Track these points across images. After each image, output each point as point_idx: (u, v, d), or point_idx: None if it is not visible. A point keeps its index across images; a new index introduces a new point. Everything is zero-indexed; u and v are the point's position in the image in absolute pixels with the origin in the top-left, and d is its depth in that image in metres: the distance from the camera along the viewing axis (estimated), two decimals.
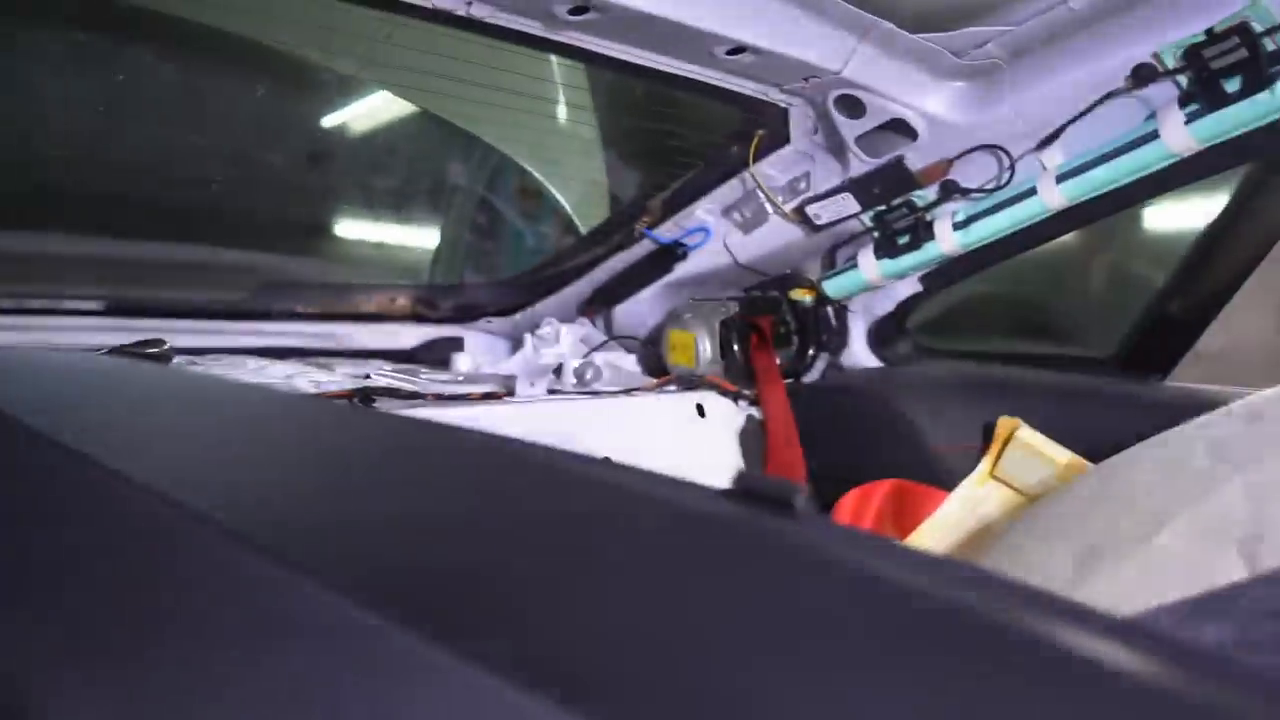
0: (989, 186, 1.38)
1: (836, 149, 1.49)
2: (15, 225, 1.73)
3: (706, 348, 1.68)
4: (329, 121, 2.04)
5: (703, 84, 1.39)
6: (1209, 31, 1.12)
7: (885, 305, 1.63)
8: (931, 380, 1.57)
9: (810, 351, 1.66)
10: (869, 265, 1.53)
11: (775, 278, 1.71)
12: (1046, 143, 1.32)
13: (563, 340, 1.82)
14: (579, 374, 1.64)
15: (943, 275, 1.54)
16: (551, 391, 1.51)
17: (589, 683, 0.26)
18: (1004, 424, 1.35)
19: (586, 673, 0.27)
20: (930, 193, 1.45)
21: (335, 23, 1.81)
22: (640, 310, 1.91)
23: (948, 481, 1.38)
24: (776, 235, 1.64)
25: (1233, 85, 1.13)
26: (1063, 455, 1.29)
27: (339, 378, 1.43)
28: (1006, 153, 1.35)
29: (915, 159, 1.42)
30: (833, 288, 1.60)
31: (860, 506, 1.41)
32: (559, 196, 2.11)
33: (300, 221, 2.09)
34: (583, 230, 2.06)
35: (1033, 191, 1.33)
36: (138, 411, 0.61)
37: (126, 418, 0.59)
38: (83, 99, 1.71)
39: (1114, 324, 1.54)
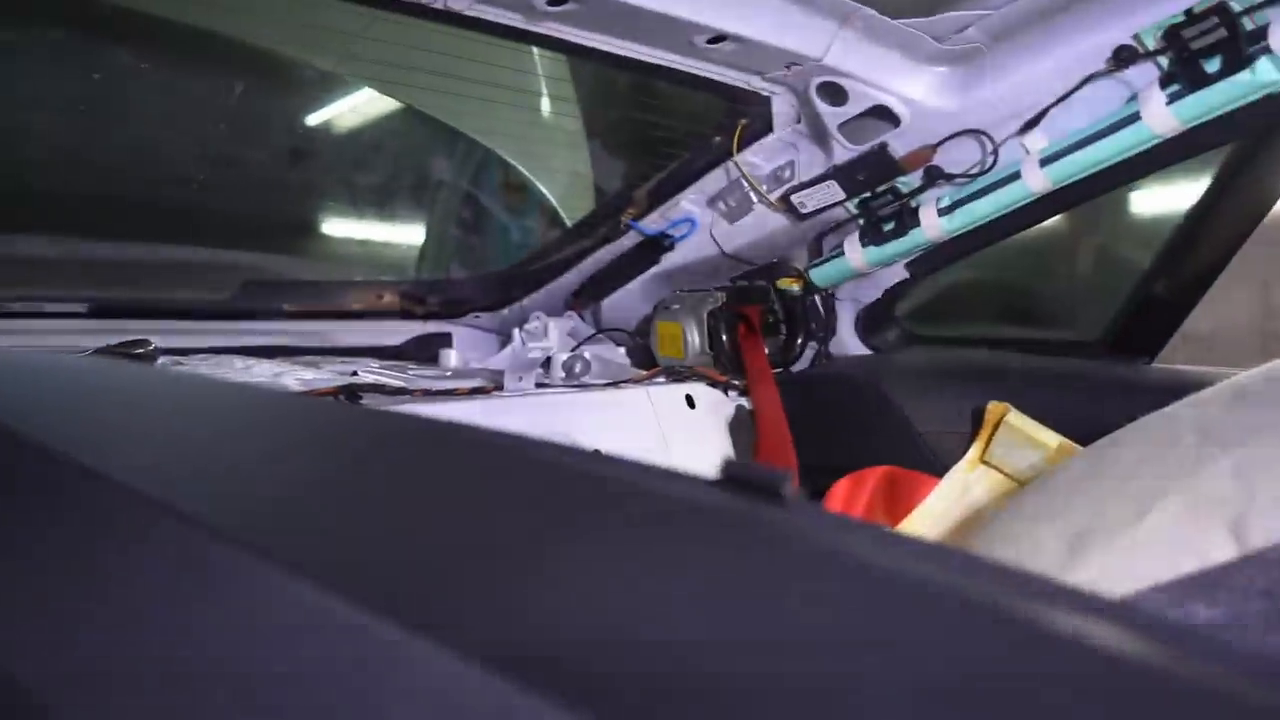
0: (973, 171, 1.38)
1: (820, 137, 1.48)
2: None
3: (695, 339, 1.68)
4: (311, 118, 2.03)
5: (684, 74, 1.38)
6: (1188, 12, 1.12)
7: (872, 293, 1.63)
8: (920, 367, 1.57)
9: (799, 340, 1.66)
10: (855, 253, 1.53)
11: (762, 267, 1.71)
12: (1029, 126, 1.32)
13: (551, 334, 1.81)
14: (567, 367, 1.64)
15: (929, 261, 1.54)
16: (540, 385, 1.51)
17: (576, 673, 0.26)
18: (993, 409, 1.35)
19: (573, 663, 0.27)
20: (914, 179, 1.45)
21: (315, 19, 1.80)
22: (628, 303, 1.91)
23: (938, 467, 1.38)
24: (762, 224, 1.64)
25: (1213, 65, 1.13)
26: (1052, 439, 1.29)
27: (326, 375, 1.42)
28: (989, 137, 1.35)
29: (899, 145, 1.41)
30: (820, 276, 1.60)
31: (851, 494, 1.41)
32: (544, 190, 2.10)
33: (284, 219, 2.08)
34: (569, 223, 2.06)
35: (1016, 175, 1.33)
36: (122, 412, 0.60)
37: (110, 418, 0.58)
38: (62, 99, 1.70)
39: (1101, 307, 1.55)
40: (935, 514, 1.34)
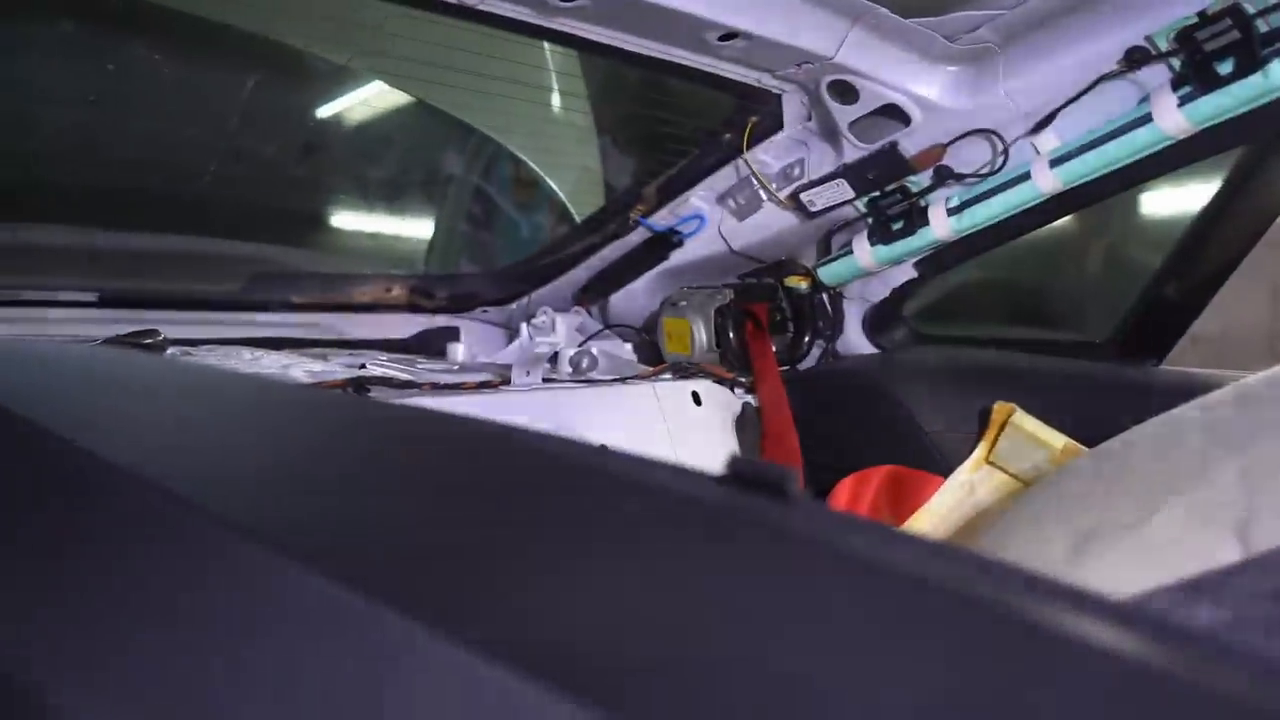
0: (983, 171, 1.38)
1: (830, 135, 1.48)
2: (8, 217, 1.72)
3: (702, 335, 1.68)
4: (323, 112, 2.03)
5: (695, 71, 1.38)
6: (1202, 13, 1.12)
7: (880, 291, 1.63)
8: (927, 366, 1.57)
9: (806, 338, 1.66)
10: (864, 251, 1.53)
11: (770, 265, 1.71)
12: (1040, 127, 1.31)
13: (558, 329, 1.82)
14: (574, 363, 1.64)
15: (937, 261, 1.53)
16: (547, 380, 1.51)
17: (582, 666, 0.26)
18: (999, 409, 1.35)
19: (579, 656, 0.27)
20: (924, 178, 1.45)
21: (328, 12, 1.81)
22: (636, 299, 1.91)
23: (943, 467, 1.38)
24: (771, 222, 1.64)
25: (1225, 67, 1.13)
26: (1058, 440, 1.29)
27: (335, 367, 1.42)
28: (1000, 137, 1.34)
29: (909, 144, 1.41)
30: (828, 274, 1.60)
31: (856, 492, 1.41)
32: (554, 185, 2.10)
33: (295, 212, 2.08)
34: (578, 219, 2.06)
35: (1026, 176, 1.33)
36: (131, 401, 0.61)
37: (121, 408, 0.59)
38: (76, 91, 1.71)
39: (1109, 309, 1.54)
40: (940, 513, 1.34)
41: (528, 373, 1.49)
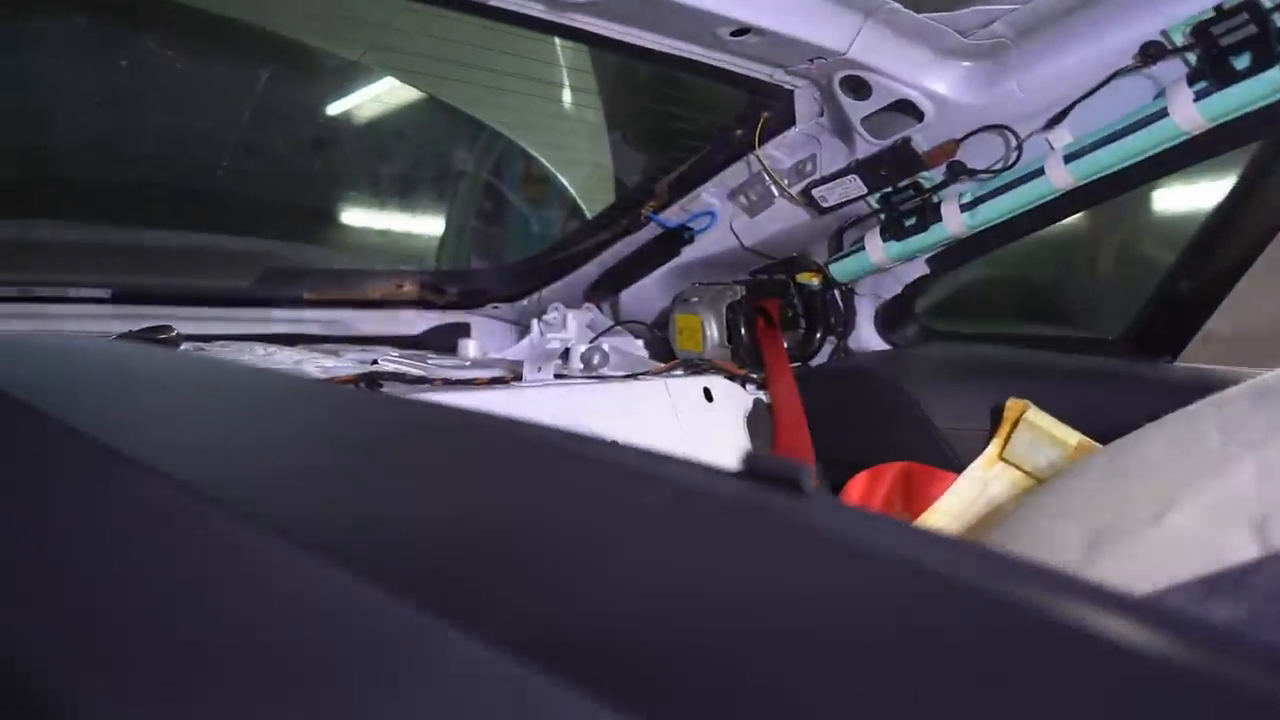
0: (996, 167, 1.37)
1: (843, 131, 1.48)
2: (20, 213, 1.73)
3: (713, 332, 1.68)
4: (334, 108, 2.04)
5: (707, 66, 1.38)
6: (1218, 8, 1.11)
7: (892, 288, 1.62)
8: (939, 363, 1.56)
9: (818, 335, 1.66)
10: (876, 248, 1.53)
11: (782, 261, 1.70)
12: (1054, 122, 1.31)
13: (569, 325, 1.81)
14: (585, 359, 1.64)
15: (950, 257, 1.53)
16: (558, 376, 1.51)
17: (600, 660, 0.26)
18: (1012, 406, 1.34)
19: (597, 649, 0.27)
20: (937, 174, 1.44)
21: (338, 7, 1.81)
22: (647, 295, 1.91)
23: (956, 464, 1.38)
24: (783, 218, 1.63)
25: (1242, 62, 1.12)
26: (1072, 437, 1.28)
27: (347, 363, 1.43)
28: (1014, 133, 1.34)
29: (922, 140, 1.41)
30: (840, 271, 1.60)
31: (869, 489, 1.41)
32: (565, 181, 2.11)
33: (306, 208, 2.09)
34: (589, 215, 2.06)
35: (1040, 172, 1.32)
36: (151, 396, 0.61)
37: (140, 402, 0.59)
38: (87, 87, 1.71)
39: (1122, 305, 1.54)
40: (953, 511, 1.34)
41: (539, 369, 1.49)
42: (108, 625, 0.31)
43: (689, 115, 1.76)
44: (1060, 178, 1.31)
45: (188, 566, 0.34)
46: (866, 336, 1.69)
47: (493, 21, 1.31)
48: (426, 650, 0.27)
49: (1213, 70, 1.14)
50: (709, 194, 1.69)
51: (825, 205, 1.53)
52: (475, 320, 2.06)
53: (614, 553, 0.36)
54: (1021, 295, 1.86)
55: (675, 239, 1.76)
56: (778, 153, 1.57)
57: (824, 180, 1.51)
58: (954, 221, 1.43)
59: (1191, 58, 1.16)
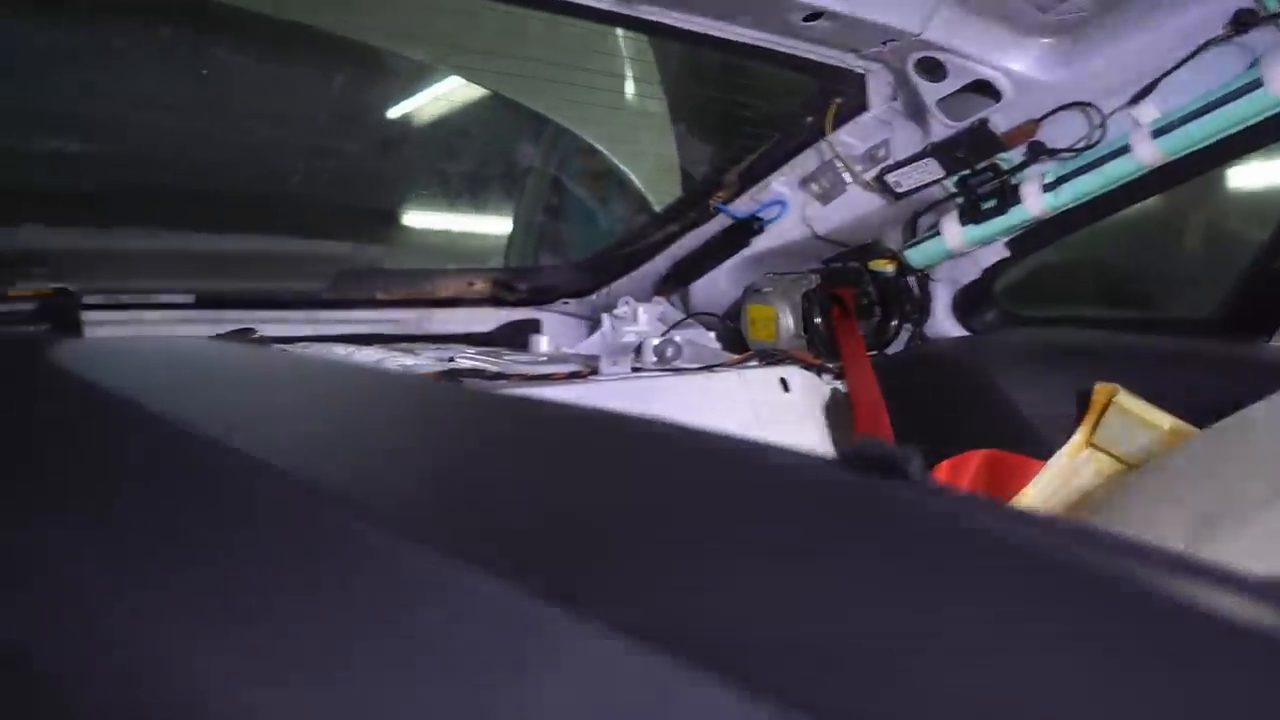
0: (1079, 146, 1.34)
1: (916, 114, 1.46)
2: (106, 222, 1.78)
3: (788, 322, 1.66)
4: (400, 109, 2.06)
5: (778, 53, 1.37)
6: None
7: (970, 272, 1.59)
8: (1021, 348, 1.53)
9: (893, 322, 1.63)
10: (953, 232, 1.50)
11: (855, 249, 1.68)
12: (1140, 97, 1.27)
13: (641, 319, 1.82)
14: (659, 351, 1.64)
15: (1031, 239, 1.50)
16: (634, 370, 1.51)
17: (732, 648, 0.26)
18: (1101, 390, 1.31)
19: (728, 638, 0.27)
20: (1016, 155, 1.41)
21: (405, 8, 1.83)
22: (717, 286, 1.90)
23: (1041, 451, 1.35)
24: (856, 205, 1.61)
25: None
26: (1165, 421, 1.24)
27: (425, 361, 1.44)
28: (1097, 109, 1.30)
29: (1000, 120, 1.38)
30: (915, 257, 1.57)
31: (952, 477, 1.38)
32: (631, 175, 2.10)
33: (376, 210, 2.12)
34: (656, 208, 2.05)
35: (1126, 149, 1.29)
36: (263, 394, 0.62)
37: (253, 400, 0.60)
38: (167, 96, 1.76)
39: (1211, 284, 1.49)
40: (1041, 498, 1.31)
41: (614, 362, 1.50)
42: (251, 622, 0.32)
43: (756, 104, 1.75)
44: (1148, 154, 1.27)
45: (326, 567, 0.35)
46: (944, 323, 1.66)
47: (560, 16, 1.32)
48: (557, 642, 0.27)
49: None
50: (779, 183, 1.68)
51: (900, 190, 1.51)
52: (545, 316, 2.07)
53: (735, 540, 0.36)
54: (1103, 276, 1.81)
55: (745, 229, 1.75)
56: (850, 139, 1.55)
57: (898, 165, 1.49)
58: (1035, 203, 1.39)
59: None
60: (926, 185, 1.49)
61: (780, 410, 1.51)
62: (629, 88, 2.03)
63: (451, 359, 1.48)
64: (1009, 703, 0.24)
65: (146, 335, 1.47)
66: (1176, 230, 1.74)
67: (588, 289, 2.05)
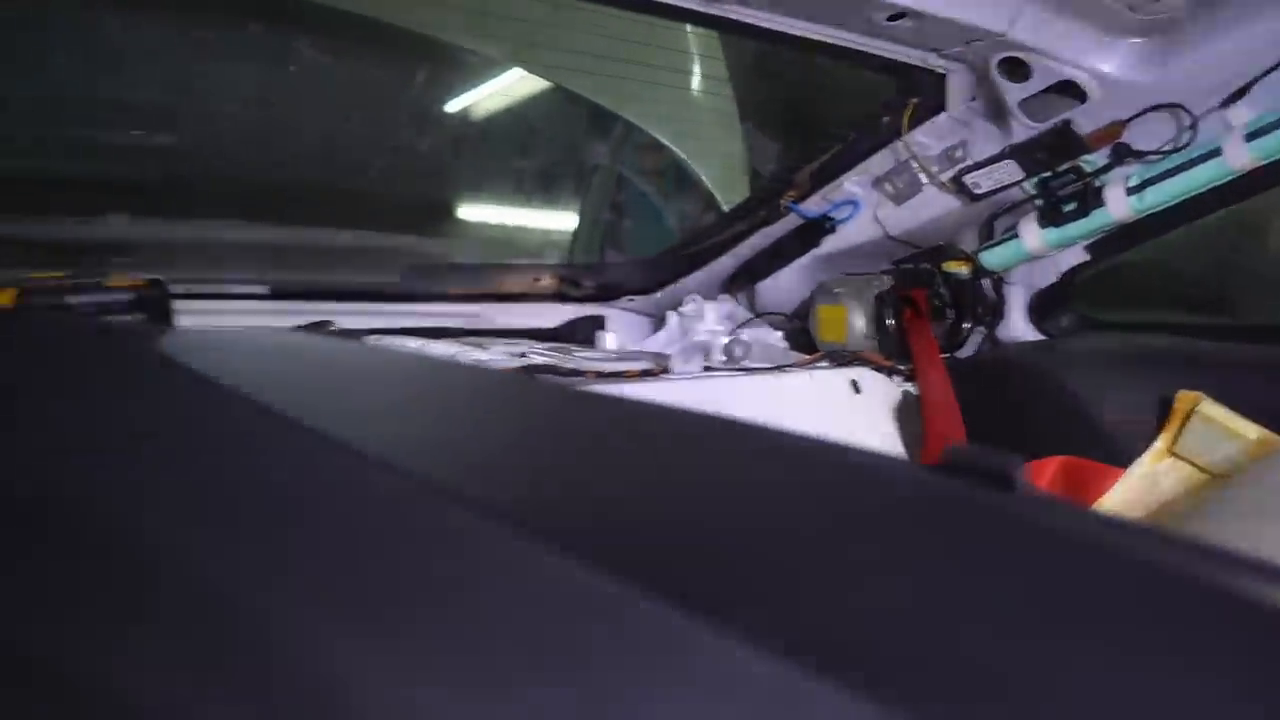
0: (1167, 148, 1.31)
1: (997, 114, 1.44)
2: (188, 213, 1.82)
3: (859, 322, 1.65)
4: (472, 106, 2.08)
5: (858, 52, 1.36)
6: None
7: (1048, 276, 1.57)
8: (1099, 353, 1.50)
9: (965, 325, 1.61)
10: (1031, 235, 1.48)
11: (927, 250, 1.66)
12: (1233, 99, 1.24)
13: (708, 317, 1.82)
14: (728, 351, 1.64)
15: (1113, 243, 1.47)
16: (706, 369, 1.51)
17: (853, 654, 0.26)
18: (1184, 398, 1.28)
19: (850, 644, 0.27)
20: (1099, 157, 1.38)
21: (484, 6, 1.85)
22: (783, 286, 1.89)
23: (1120, 459, 1.32)
24: (931, 206, 1.59)
25: None
26: (1251, 430, 1.22)
27: (497, 356, 1.45)
28: (1188, 111, 1.27)
29: (1085, 122, 1.35)
30: (991, 259, 1.55)
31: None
32: (698, 172, 2.10)
33: (445, 204, 2.14)
34: (724, 206, 2.05)
35: (1217, 152, 1.26)
36: (359, 386, 0.63)
37: (353, 392, 0.61)
38: (247, 90, 1.79)
39: None
40: (1121, 506, 1.29)
41: (686, 361, 1.50)
42: (377, 618, 0.32)
43: (829, 103, 1.74)
44: (1239, 158, 1.24)
45: (452, 571, 0.35)
46: (1018, 326, 1.63)
47: (642, 15, 1.32)
48: (680, 646, 0.27)
49: None
50: (851, 183, 1.67)
51: (977, 192, 1.49)
52: (608, 312, 2.07)
53: (844, 547, 0.36)
54: (1183, 280, 1.77)
55: (816, 229, 1.74)
56: (926, 139, 1.54)
57: (976, 166, 1.47)
58: (1119, 206, 1.37)
59: None
60: (1006, 187, 1.47)
61: (851, 412, 1.50)
62: (698, 84, 2.03)
63: (524, 354, 1.49)
64: None
65: (244, 326, 1.50)
66: (1262, 233, 1.70)
67: (652, 286, 2.06)
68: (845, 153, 1.65)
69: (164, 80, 1.78)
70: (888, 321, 1.62)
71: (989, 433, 1.45)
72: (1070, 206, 1.42)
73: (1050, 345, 1.59)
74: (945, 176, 1.53)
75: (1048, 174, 1.43)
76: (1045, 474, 1.37)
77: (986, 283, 1.61)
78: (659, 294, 2.04)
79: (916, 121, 1.51)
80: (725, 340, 1.70)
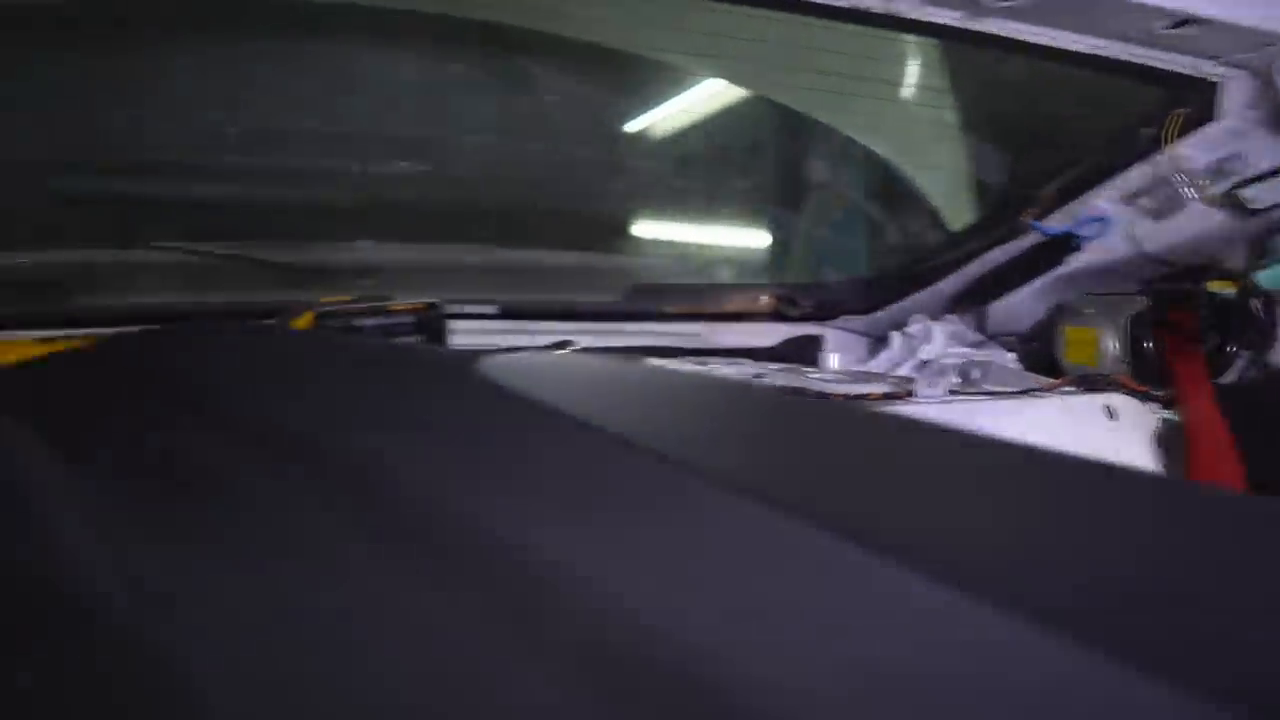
0: None
1: (1278, 124, 1.33)
2: (424, 238, 1.92)
3: (1112, 345, 1.57)
4: (690, 124, 2.10)
5: (1123, 63, 1.29)
6: None
7: None
8: None
9: (1233, 349, 1.50)
10: None
11: (1186, 269, 1.56)
12: None
13: (936, 338, 1.77)
14: (964, 373, 1.59)
15: None
16: (953, 392, 1.47)
17: None
18: None
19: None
20: None
21: (700, 27, 1.87)
22: (1014, 305, 1.82)
23: None
24: (1194, 222, 1.49)
25: None
26: None
27: (731, 375, 1.46)
28: None
29: None
30: (1270, 279, 1.44)
31: None
32: (923, 190, 2.05)
33: (665, 224, 2.18)
34: (950, 226, 1.99)
35: None
36: (667, 409, 0.63)
37: (677, 416, 0.62)
38: (486, 118, 1.87)
39: None
40: None
41: (930, 384, 1.46)
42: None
43: (1075, 115, 1.66)
44: None
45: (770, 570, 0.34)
46: None
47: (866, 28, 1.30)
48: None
49: None
50: (1102, 198, 1.58)
51: (1255, 207, 1.39)
52: (826, 332, 2.05)
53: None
54: None
55: (1060, 247, 1.66)
56: (1192, 151, 1.44)
57: (1255, 179, 1.37)
58: None
59: None
60: None
61: (1105, 440, 1.42)
62: (920, 97, 1.99)
63: (760, 375, 1.49)
64: None
65: (514, 346, 1.56)
66: None
67: (872, 305, 2.02)
68: (1095, 167, 1.57)
69: (406, 112, 1.89)
70: (1146, 344, 1.53)
71: (1268, 466, 1.35)
72: None
73: None
74: (1215, 190, 1.44)
75: None
76: None
77: (1255, 303, 1.50)
78: (880, 313, 2.00)
79: (1182, 133, 1.42)
80: (958, 362, 1.65)
